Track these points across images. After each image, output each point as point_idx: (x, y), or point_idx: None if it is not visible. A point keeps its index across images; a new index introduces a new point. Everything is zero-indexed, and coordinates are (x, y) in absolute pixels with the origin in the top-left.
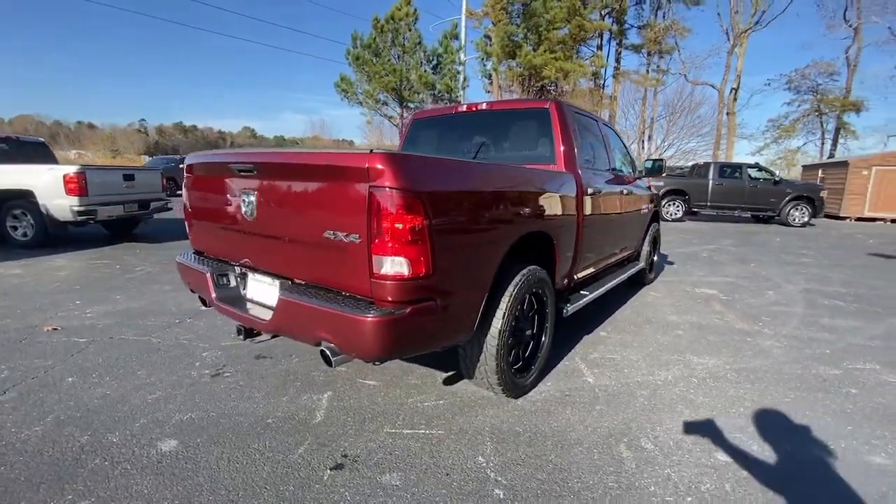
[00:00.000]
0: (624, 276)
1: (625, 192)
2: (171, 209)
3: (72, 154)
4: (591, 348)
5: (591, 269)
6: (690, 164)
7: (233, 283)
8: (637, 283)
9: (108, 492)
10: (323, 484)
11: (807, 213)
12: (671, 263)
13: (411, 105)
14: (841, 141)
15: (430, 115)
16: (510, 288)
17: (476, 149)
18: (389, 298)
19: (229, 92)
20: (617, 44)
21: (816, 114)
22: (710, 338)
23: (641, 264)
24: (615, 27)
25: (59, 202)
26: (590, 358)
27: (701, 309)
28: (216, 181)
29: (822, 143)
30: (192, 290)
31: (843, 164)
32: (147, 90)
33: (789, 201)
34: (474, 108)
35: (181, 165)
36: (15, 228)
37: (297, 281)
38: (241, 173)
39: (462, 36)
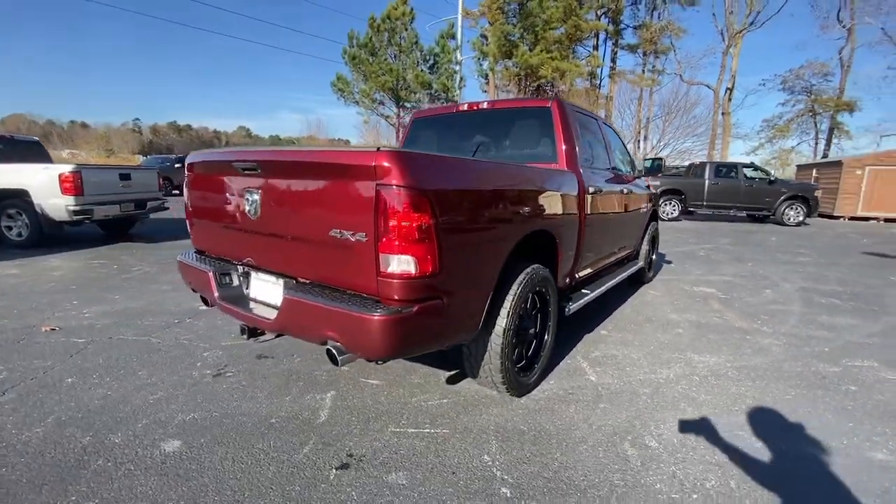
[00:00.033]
0: (624, 275)
1: (625, 191)
2: (167, 209)
3: (65, 153)
4: (592, 347)
5: (592, 268)
6: (686, 163)
7: (235, 282)
8: (636, 281)
9: (112, 493)
10: (329, 483)
11: (802, 212)
12: (669, 262)
13: (408, 105)
14: (834, 141)
15: (430, 114)
16: (514, 286)
17: (477, 148)
18: (396, 297)
19: (224, 91)
20: (613, 44)
21: (810, 114)
22: (710, 336)
23: (641, 263)
24: (611, 27)
25: (54, 202)
26: (591, 356)
27: (700, 307)
28: (219, 180)
29: (816, 143)
30: (193, 290)
31: (837, 164)
32: (141, 89)
33: (784, 201)
34: (475, 107)
35: (177, 165)
36: (10, 228)
37: (302, 280)
38: (245, 172)
39: (458, 36)
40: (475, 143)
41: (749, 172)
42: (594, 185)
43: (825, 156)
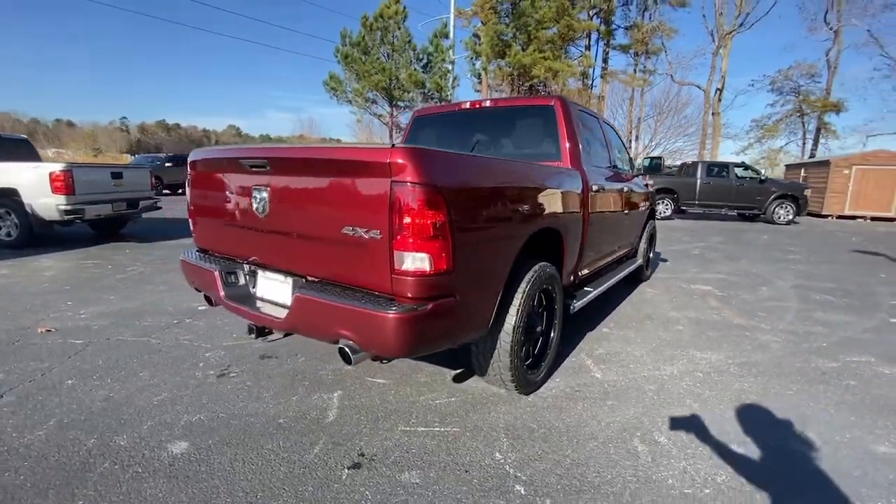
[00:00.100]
0: (624, 273)
1: (625, 189)
2: (160, 208)
3: (50, 152)
4: (595, 344)
5: (595, 266)
6: (678, 163)
7: (241, 281)
8: (635, 279)
9: (120, 496)
10: (342, 483)
11: (791, 211)
12: (665, 260)
13: (401, 104)
14: (822, 141)
15: (431, 113)
16: (523, 284)
17: (479, 146)
18: (410, 295)
19: (214, 90)
20: (605, 44)
21: (798, 114)
22: (709, 333)
23: (639, 261)
24: (603, 27)
25: (44, 201)
26: (595, 354)
27: (698, 305)
28: (224, 177)
29: (804, 143)
30: (197, 290)
31: (825, 164)
32: (128, 87)
33: (774, 199)
34: (477, 106)
35: (167, 164)
36: None
37: (311, 278)
38: (253, 169)
39: (451, 35)
40: (477, 142)
41: (740, 172)
42: (597, 183)
43: (813, 155)
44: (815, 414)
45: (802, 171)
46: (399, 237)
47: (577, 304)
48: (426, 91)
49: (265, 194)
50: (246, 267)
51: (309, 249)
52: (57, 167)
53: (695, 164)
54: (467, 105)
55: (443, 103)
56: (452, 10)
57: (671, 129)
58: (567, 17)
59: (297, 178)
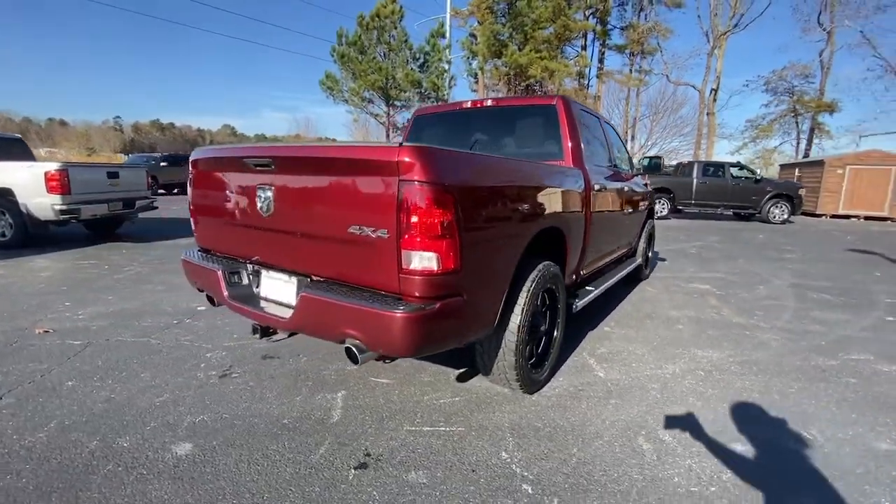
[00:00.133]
0: (624, 272)
1: (625, 188)
2: (156, 208)
3: (43, 152)
4: (597, 343)
5: (596, 265)
6: (674, 163)
7: (245, 280)
8: (634, 279)
9: (125, 498)
10: (349, 484)
11: (786, 210)
12: (663, 260)
13: (397, 103)
14: (816, 141)
15: (432, 112)
16: (528, 283)
17: (480, 146)
18: (418, 294)
19: (208, 89)
20: (601, 44)
21: (792, 114)
22: (710, 332)
23: (639, 260)
24: (599, 27)
25: (40, 201)
26: (597, 353)
27: (697, 304)
28: (227, 176)
29: (798, 143)
30: (199, 290)
31: (819, 163)
32: (122, 86)
33: (770, 199)
34: (478, 105)
35: (162, 164)
36: None
37: (316, 278)
38: (257, 168)
39: (447, 35)
40: (479, 141)
41: (735, 172)
42: (598, 182)
43: (806, 155)
44: (817, 412)
45: (797, 170)
46: (407, 236)
47: (580, 303)
48: (423, 90)
49: (270, 193)
50: (249, 267)
51: (314, 249)
52: (52, 166)
53: (691, 163)
54: (468, 104)
55: (440, 103)
56: (448, 10)
57: (667, 129)
58: (563, 17)
59: (302, 177)
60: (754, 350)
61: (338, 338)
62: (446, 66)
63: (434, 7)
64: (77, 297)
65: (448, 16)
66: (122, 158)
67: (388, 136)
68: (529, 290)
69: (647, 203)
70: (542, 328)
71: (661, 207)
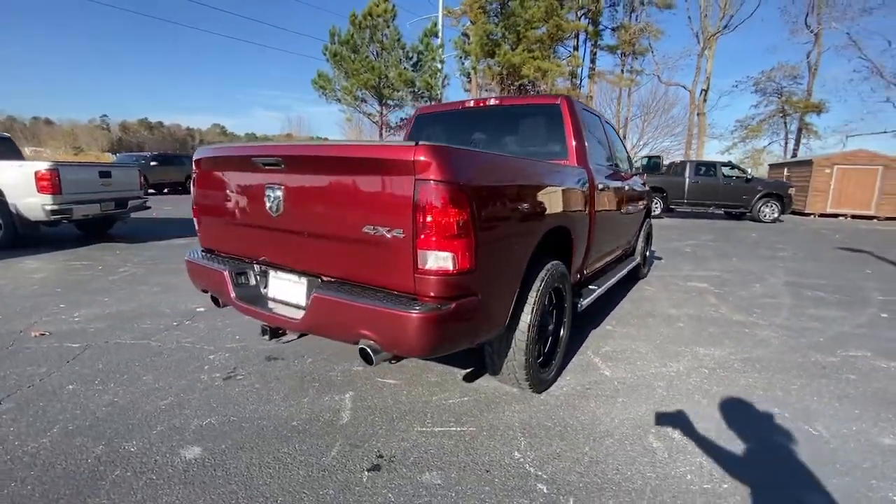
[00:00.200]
0: (625, 271)
1: (626, 187)
2: (149, 208)
3: (28, 151)
4: (601, 342)
5: (599, 264)
6: (667, 162)
7: (252, 281)
8: (632, 277)
9: None
10: (363, 486)
11: (777, 209)
12: (659, 258)
13: (390, 102)
14: (803, 141)
15: (434, 111)
16: (537, 282)
17: (480, 145)
18: (433, 294)
19: (198, 87)
20: (592, 45)
21: (781, 115)
22: (710, 329)
23: (638, 259)
24: (591, 28)
25: (30, 201)
26: (602, 351)
27: (696, 302)
28: (234, 176)
29: (786, 143)
30: (203, 290)
31: (808, 163)
32: (108, 85)
33: (760, 198)
34: (481, 104)
35: (153, 163)
36: None
37: (326, 278)
38: (266, 167)
39: (440, 34)
40: (482, 141)
41: (727, 171)
42: (601, 181)
43: (795, 155)
44: (820, 408)
45: (786, 170)
46: (423, 236)
47: (585, 302)
48: (416, 90)
49: (279, 193)
50: (256, 267)
51: (325, 249)
52: (43, 166)
53: (683, 163)
54: (471, 104)
55: (433, 103)
56: (441, 10)
57: (658, 129)
58: (556, 18)
59: (314, 176)
60: (755, 347)
61: (352, 339)
62: (439, 66)
63: (426, 6)
64: (72, 299)
65: (440, 15)
66: (110, 158)
67: (381, 135)
68: (539, 289)
69: (645, 202)
70: (550, 327)
71: (655, 206)
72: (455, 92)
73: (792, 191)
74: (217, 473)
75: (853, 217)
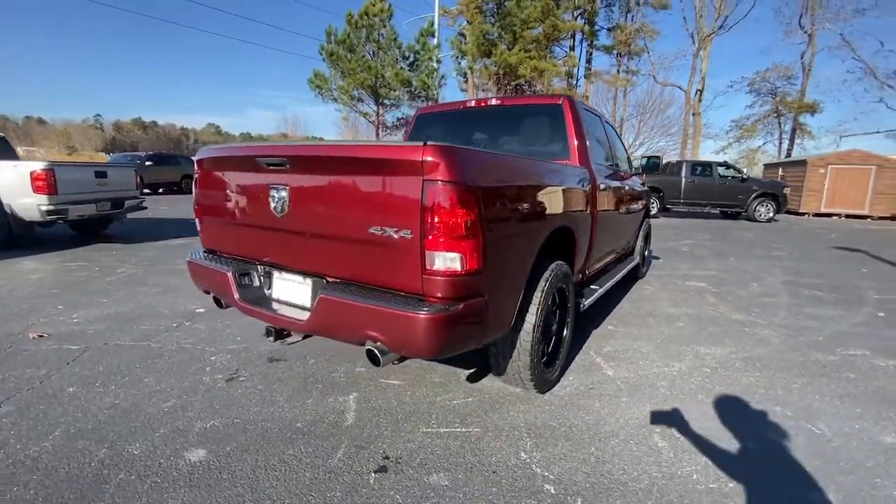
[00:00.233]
0: (625, 271)
1: (626, 187)
2: (145, 208)
3: (21, 151)
4: (602, 342)
5: (600, 264)
6: (664, 162)
7: (256, 282)
8: (631, 277)
9: None
10: (370, 488)
11: (772, 209)
12: (657, 258)
13: (387, 102)
14: (798, 141)
15: (434, 111)
16: (542, 283)
17: (481, 145)
18: (440, 295)
19: (192, 87)
20: (588, 45)
21: (775, 115)
22: (710, 329)
23: (637, 259)
24: (587, 28)
25: (25, 201)
26: (604, 351)
27: (695, 301)
28: (237, 176)
29: (781, 143)
30: (205, 292)
31: (802, 163)
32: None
33: (756, 198)
34: (482, 104)
35: (147, 163)
36: None
37: (331, 279)
38: (271, 167)
39: (436, 34)
40: (483, 141)
41: (722, 171)
42: (603, 181)
43: (789, 155)
44: (822, 406)
45: (780, 170)
46: (431, 237)
47: (587, 302)
48: (412, 89)
49: (284, 193)
50: (260, 268)
51: (331, 250)
52: (38, 166)
53: (679, 163)
54: (472, 104)
55: (431, 103)
56: (437, 9)
57: (654, 129)
58: (552, 18)
59: (320, 176)
60: (755, 346)
61: (358, 340)
62: (436, 66)
63: (423, 6)
64: (69, 300)
65: (437, 15)
66: (105, 157)
67: (377, 134)
68: (544, 289)
69: (644, 202)
70: (553, 327)
71: (652, 206)
72: (451, 92)
73: (787, 190)
74: (223, 476)
75: (847, 216)
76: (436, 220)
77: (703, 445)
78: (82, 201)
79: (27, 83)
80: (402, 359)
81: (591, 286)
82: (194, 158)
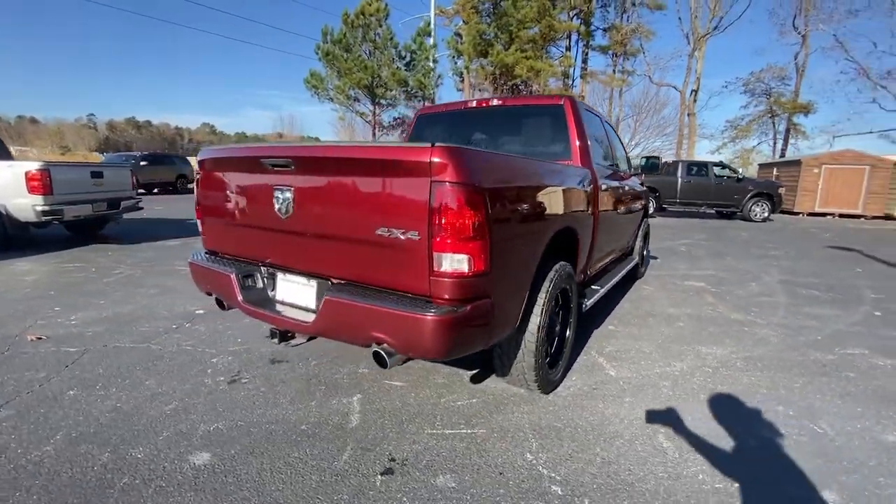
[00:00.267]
0: (625, 271)
1: (626, 187)
2: (141, 209)
3: (13, 150)
4: (604, 342)
5: (601, 264)
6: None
7: (259, 284)
8: (631, 277)
9: None
10: (377, 490)
11: (767, 208)
12: (655, 258)
13: (383, 102)
14: (792, 141)
15: (435, 111)
16: (546, 283)
17: (481, 145)
18: (448, 296)
19: (187, 86)
20: (584, 45)
21: (769, 115)
22: (710, 328)
23: (636, 259)
24: (583, 28)
25: (20, 202)
26: (606, 352)
27: (695, 301)
28: (240, 177)
29: (775, 143)
30: (208, 293)
31: (797, 163)
32: (94, 83)
33: (751, 198)
34: (484, 104)
35: (143, 163)
36: None
37: (337, 280)
38: (275, 168)
39: (433, 34)
40: (484, 141)
41: (718, 171)
42: (604, 182)
43: (783, 155)
44: (823, 406)
45: (775, 170)
46: (438, 238)
47: (589, 302)
48: (409, 89)
49: (289, 195)
50: (263, 269)
51: (336, 251)
52: (33, 166)
53: (675, 163)
54: (473, 104)
55: (427, 103)
56: (433, 9)
57: (650, 129)
58: (548, 18)
59: (326, 177)
60: (755, 346)
61: (364, 342)
62: (432, 65)
63: (419, 6)
64: (67, 302)
65: (433, 14)
66: (99, 157)
67: (374, 134)
68: (548, 290)
69: (643, 202)
70: (556, 328)
71: (649, 206)
72: (448, 91)
73: (782, 190)
74: (228, 480)
75: (841, 216)
76: (444, 221)
77: (708, 446)
78: (78, 202)
79: (20, 83)
80: (406, 360)
81: (593, 286)
82: (196, 159)
